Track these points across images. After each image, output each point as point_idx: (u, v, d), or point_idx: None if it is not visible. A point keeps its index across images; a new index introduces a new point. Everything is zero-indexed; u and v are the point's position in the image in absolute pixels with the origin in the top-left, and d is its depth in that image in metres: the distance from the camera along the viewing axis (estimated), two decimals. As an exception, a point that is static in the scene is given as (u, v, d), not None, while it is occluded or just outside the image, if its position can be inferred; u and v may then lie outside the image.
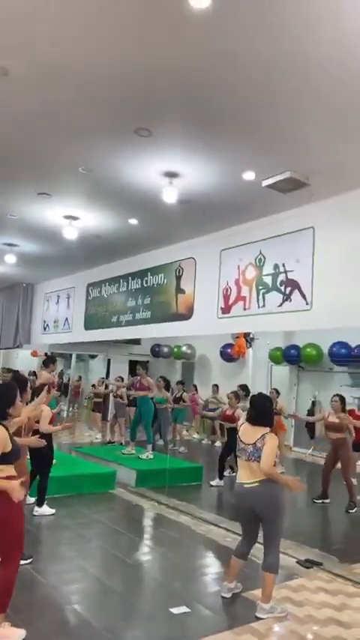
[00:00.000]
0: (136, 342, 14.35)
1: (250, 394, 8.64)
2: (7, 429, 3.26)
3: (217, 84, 3.70)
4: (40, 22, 3.14)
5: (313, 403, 11.78)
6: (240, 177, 5.19)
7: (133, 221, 6.86)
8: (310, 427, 11.24)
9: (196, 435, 13.40)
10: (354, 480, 7.07)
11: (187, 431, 12.99)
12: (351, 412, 7.99)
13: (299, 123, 4.16)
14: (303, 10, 2.92)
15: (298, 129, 4.26)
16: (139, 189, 5.66)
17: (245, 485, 3.87)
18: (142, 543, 5.43)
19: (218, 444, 12.09)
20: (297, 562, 4.83)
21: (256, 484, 3.80)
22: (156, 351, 15.59)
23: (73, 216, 6.81)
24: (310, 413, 11.52)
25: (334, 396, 7.40)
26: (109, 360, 15.65)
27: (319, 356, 11.64)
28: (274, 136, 4.43)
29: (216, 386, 12.79)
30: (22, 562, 3.54)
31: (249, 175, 5.15)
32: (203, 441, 12.89)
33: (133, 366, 15.10)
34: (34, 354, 14.47)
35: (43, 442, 4.41)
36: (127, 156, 4.90)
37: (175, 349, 15.09)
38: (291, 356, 12.09)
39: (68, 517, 5.81)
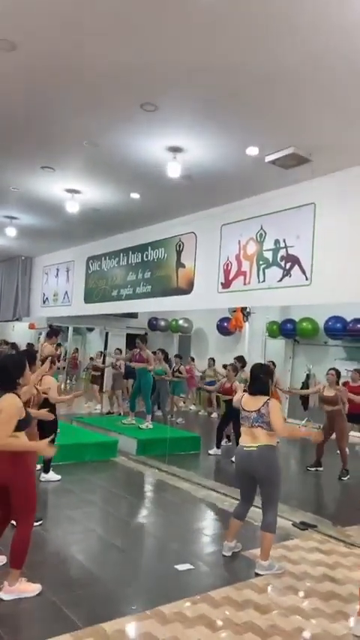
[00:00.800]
0: (134, 315, 14.49)
1: (246, 366, 8.88)
2: (19, 397, 3.41)
3: (222, 61, 3.73)
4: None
5: (307, 376, 12.04)
6: (243, 152, 5.23)
7: (135, 195, 6.89)
8: (304, 399, 11.53)
9: (192, 407, 13.69)
10: (347, 450, 7.33)
11: (183, 402, 13.27)
12: (345, 384, 8.22)
13: (302, 100, 4.21)
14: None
15: (301, 105, 4.31)
16: (143, 163, 5.69)
17: (245, 448, 4.08)
18: (144, 507, 5.69)
19: (214, 415, 12.39)
20: (292, 524, 5.09)
21: (255, 448, 4.02)
22: (153, 324, 15.75)
23: (74, 190, 6.83)
24: (305, 385, 11.79)
25: (330, 369, 7.59)
26: (106, 334, 15.79)
27: (315, 330, 11.84)
28: (278, 112, 4.47)
29: (212, 359, 13.00)
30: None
31: (252, 150, 5.20)
32: (200, 413, 13.18)
33: (131, 340, 15.26)
34: (32, 326, 14.60)
35: (52, 416, 4.59)
36: (132, 130, 4.93)
37: (173, 323, 15.25)
38: (287, 330, 12.28)
39: (73, 483, 6.04)
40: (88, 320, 14.06)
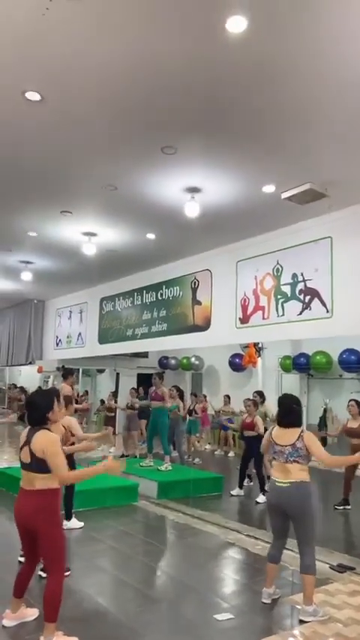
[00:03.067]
0: (144, 355, 14.44)
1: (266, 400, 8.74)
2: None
3: (241, 103, 3.86)
4: (74, 45, 3.28)
5: (325, 410, 11.86)
6: (260, 190, 5.34)
7: (151, 235, 7.00)
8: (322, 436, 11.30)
9: (208, 446, 13.42)
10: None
11: (198, 442, 13.04)
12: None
13: (317, 136, 4.32)
14: (323, 33, 3.08)
15: (315, 142, 4.42)
16: (161, 204, 5.81)
17: (278, 484, 3.95)
18: (173, 553, 5.47)
19: (231, 454, 12.13)
20: (330, 567, 4.88)
21: (289, 484, 3.88)
22: (164, 363, 15.68)
23: (91, 233, 6.95)
24: (323, 421, 11.60)
25: (351, 400, 7.47)
26: (117, 374, 15.71)
27: (329, 363, 11.75)
28: (293, 150, 4.58)
29: (227, 396, 12.86)
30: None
31: (269, 188, 5.30)
32: (216, 452, 12.90)
33: (142, 380, 15.18)
34: (40, 369, 14.53)
35: (93, 446, 4.50)
36: (151, 172, 5.05)
37: (184, 360, 15.18)
38: (300, 364, 12.19)
39: (97, 530, 5.84)
40: (98, 361, 14.02)
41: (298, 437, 3.92)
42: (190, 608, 4.06)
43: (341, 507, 7.16)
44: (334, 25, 3.02)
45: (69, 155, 4.74)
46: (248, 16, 2.95)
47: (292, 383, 12.65)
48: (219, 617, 3.78)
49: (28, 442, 3.25)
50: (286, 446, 3.94)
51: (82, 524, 5.88)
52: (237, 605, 4.04)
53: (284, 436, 4.00)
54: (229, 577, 4.76)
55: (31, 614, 3.59)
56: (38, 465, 3.19)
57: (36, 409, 3.34)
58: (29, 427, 3.36)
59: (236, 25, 3.01)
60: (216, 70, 3.46)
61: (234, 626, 3.67)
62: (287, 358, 12.42)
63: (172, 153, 4.63)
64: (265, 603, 4.04)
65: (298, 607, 3.87)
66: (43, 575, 3.90)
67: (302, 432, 3.97)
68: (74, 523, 5.83)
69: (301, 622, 3.71)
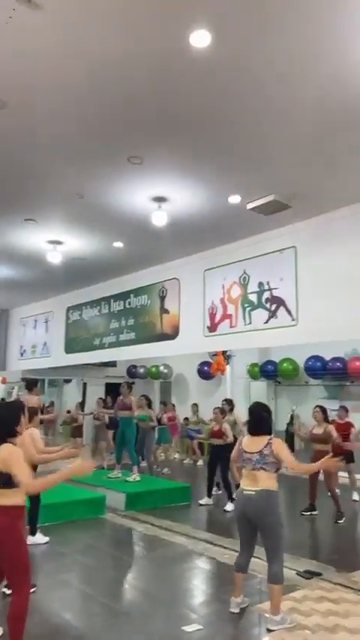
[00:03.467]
0: (112, 364, 14.31)
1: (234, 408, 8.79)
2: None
3: (207, 114, 3.91)
4: (39, 55, 3.26)
5: (292, 417, 12.01)
6: (226, 200, 5.41)
7: (118, 244, 6.97)
8: (289, 442, 11.43)
9: (176, 455, 13.38)
10: (338, 491, 7.22)
11: (167, 451, 12.98)
12: (332, 422, 8.21)
13: (281, 149, 4.42)
14: (289, 52, 3.18)
15: (279, 155, 4.52)
16: (128, 213, 5.80)
17: (245, 492, 3.95)
18: (142, 566, 5.40)
19: (200, 463, 12.12)
20: (297, 573, 4.91)
21: (254, 492, 3.90)
22: (132, 372, 15.57)
23: (57, 241, 6.87)
24: (289, 427, 11.74)
25: (316, 407, 7.61)
26: (84, 384, 15.50)
27: (296, 370, 11.93)
28: (258, 162, 4.67)
29: (195, 405, 12.87)
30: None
31: (234, 199, 5.38)
32: (185, 461, 12.87)
33: (110, 389, 15.02)
34: (4, 380, 14.20)
35: (79, 451, 4.40)
36: (118, 182, 5.04)
37: (152, 369, 15.12)
38: (268, 371, 12.33)
39: (63, 544, 5.72)
40: (65, 371, 13.80)
41: (267, 444, 3.95)
42: (159, 621, 4.00)
43: (308, 513, 7.24)
44: (296, 43, 3.11)
45: (33, 163, 4.69)
46: (212, 30, 2.99)
47: (260, 390, 12.77)
48: (187, 628, 3.74)
49: None
50: (253, 453, 3.96)
51: (47, 539, 5.74)
52: (205, 616, 4.02)
53: (253, 444, 4.02)
54: (198, 588, 4.73)
55: (-5, 633, 3.47)
56: (2, 479, 3.09)
57: (3, 423, 3.25)
58: None
59: (200, 39, 3.05)
60: (182, 82, 3.50)
61: (202, 637, 3.64)
62: (255, 366, 12.54)
63: (138, 163, 4.64)
64: (233, 613, 4.03)
65: (266, 615, 3.88)
66: (8, 592, 3.78)
67: (271, 439, 4.00)
68: (39, 538, 5.68)
69: (269, 631, 3.71)
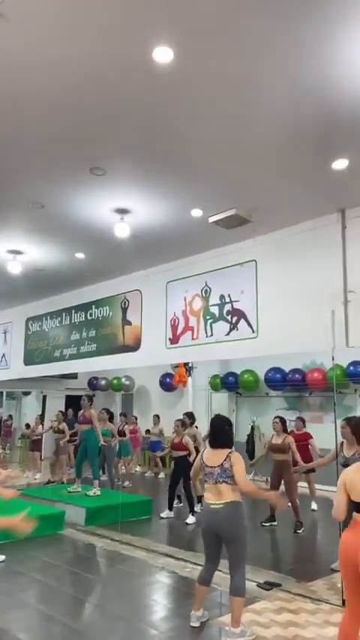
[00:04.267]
0: (73, 376, 14.06)
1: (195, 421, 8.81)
2: None
3: (170, 128, 3.95)
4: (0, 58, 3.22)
5: (252, 428, 12.14)
6: (188, 213, 5.45)
7: (80, 255, 6.91)
8: (249, 452, 11.54)
9: (138, 468, 13.25)
10: (297, 501, 7.33)
11: (128, 464, 12.84)
12: (291, 433, 8.36)
13: (243, 164, 4.49)
14: (250, 70, 3.26)
15: (241, 170, 4.59)
16: (89, 224, 5.76)
17: (211, 506, 3.96)
18: (101, 582, 5.30)
19: (162, 475, 12.05)
20: (257, 585, 4.94)
21: (221, 506, 3.91)
22: (93, 384, 15.36)
23: (17, 251, 6.74)
24: (250, 437, 11.86)
25: (275, 417, 7.74)
26: (44, 397, 15.17)
27: (256, 382, 12.09)
28: (220, 177, 4.74)
29: (157, 416, 12.82)
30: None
31: (196, 212, 5.43)
32: (146, 474, 12.77)
33: (70, 402, 14.74)
34: None
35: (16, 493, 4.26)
36: (80, 192, 5.01)
37: (114, 381, 14.97)
38: (229, 383, 12.44)
39: (19, 563, 5.55)
40: (24, 383, 13.45)
41: (226, 457, 3.97)
42: (116, 638, 3.93)
43: (268, 524, 7.31)
44: (256, 62, 3.20)
45: (-7, 170, 4.60)
46: (174, 47, 3.04)
47: (221, 401, 12.85)
48: (147, 645, 3.69)
49: None
50: (215, 467, 3.98)
51: (3, 557, 5.56)
52: (166, 631, 3.98)
53: (213, 457, 4.04)
54: (158, 603, 4.68)
55: None
56: None
57: None
58: None
59: (162, 55, 3.10)
60: (144, 96, 3.53)
61: (162, 654, 3.60)
62: (216, 377, 12.63)
63: (101, 174, 4.63)
64: (193, 627, 4.01)
65: (227, 628, 3.87)
66: None
67: (230, 452, 4.03)
68: (-5, 557, 5.50)
69: (229, 643, 3.71)
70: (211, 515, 3.97)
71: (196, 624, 4.02)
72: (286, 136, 4.01)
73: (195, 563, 5.45)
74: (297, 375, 11.49)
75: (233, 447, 4.14)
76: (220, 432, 4.14)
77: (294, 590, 4.82)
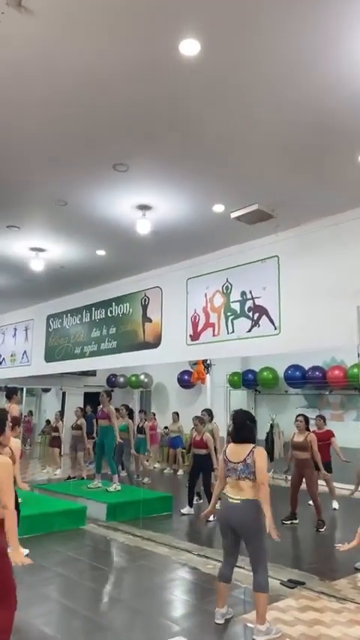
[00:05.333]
0: (92, 373, 14.18)
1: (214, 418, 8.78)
2: None
3: (194, 123, 3.93)
4: (26, 56, 3.22)
5: (271, 426, 12.08)
6: (210, 209, 5.43)
7: (101, 252, 6.94)
8: (269, 450, 11.47)
9: (157, 465, 13.28)
10: (319, 499, 7.26)
11: (147, 461, 12.89)
12: (312, 432, 8.28)
13: (265, 159, 4.46)
14: (277, 62, 3.23)
15: (264, 164, 4.56)
16: (111, 221, 5.78)
17: (230, 500, 3.94)
18: (124, 578, 5.31)
19: (181, 472, 12.06)
20: (280, 583, 4.90)
21: (239, 502, 3.88)
22: (112, 381, 15.46)
23: (39, 248, 6.79)
24: (270, 435, 11.80)
25: (299, 416, 7.65)
26: (63, 394, 15.31)
27: (275, 379, 12.01)
28: (243, 171, 4.71)
29: (176, 414, 12.82)
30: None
31: (218, 208, 5.41)
32: (165, 471, 12.79)
33: (89, 399, 14.85)
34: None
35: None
36: (103, 189, 5.02)
37: (132, 378, 15.04)
38: (248, 380, 12.39)
39: (43, 557, 5.59)
40: (44, 380, 13.60)
41: (249, 452, 3.94)
42: (142, 634, 3.94)
43: (289, 522, 7.25)
44: (285, 54, 3.16)
45: (17, 169, 4.64)
46: (201, 39, 3.02)
47: (239, 399, 12.80)
48: (172, 641, 3.69)
49: None
50: (238, 463, 3.95)
51: (27, 551, 5.54)
52: (189, 628, 3.97)
53: (237, 453, 4.01)
54: (181, 599, 4.67)
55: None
56: None
57: None
58: None
59: (189, 48, 3.08)
60: (169, 90, 3.51)
61: (187, 650, 3.60)
62: (236, 375, 12.58)
63: (124, 170, 4.63)
64: (218, 624, 3.99)
65: (251, 626, 3.85)
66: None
67: (254, 447, 4.00)
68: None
69: (255, 641, 3.69)
70: (228, 510, 3.96)
71: (221, 621, 4.00)
72: (312, 129, 3.96)
73: (217, 560, 5.43)
74: (317, 373, 11.39)
75: (256, 443, 4.11)
76: (242, 427, 4.10)
77: (318, 589, 4.77)
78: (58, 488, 8.78)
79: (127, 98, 3.61)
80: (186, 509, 7.80)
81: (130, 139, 4.16)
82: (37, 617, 4.11)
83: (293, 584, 4.89)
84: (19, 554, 3.01)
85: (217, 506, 7.11)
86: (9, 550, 3.18)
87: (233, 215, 5.46)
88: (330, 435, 8.45)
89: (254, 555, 3.92)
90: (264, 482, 3.88)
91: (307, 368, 11.46)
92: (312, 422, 9.63)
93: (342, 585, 4.88)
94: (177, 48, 3.09)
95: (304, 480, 7.24)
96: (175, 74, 3.33)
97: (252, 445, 4.01)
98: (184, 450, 12.52)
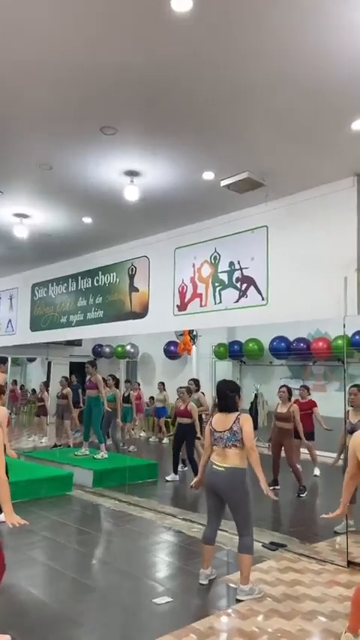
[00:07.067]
0: (77, 343, 14.12)
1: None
2: None
3: (183, 86, 3.81)
4: (11, 17, 3.08)
5: (256, 395, 12.25)
6: (200, 176, 5.33)
7: (87, 220, 6.80)
8: (253, 419, 11.64)
9: (142, 434, 13.44)
10: (299, 466, 7.45)
11: (132, 429, 13.02)
12: (295, 401, 8.41)
13: (256, 126, 4.37)
14: (271, 24, 3.12)
15: (256, 131, 4.46)
16: (98, 187, 5.64)
17: (214, 466, 4.04)
18: (110, 541, 5.44)
19: (166, 440, 12.22)
20: (262, 545, 5.06)
21: (223, 468, 3.97)
22: (98, 351, 15.42)
23: (23, 214, 6.63)
24: (254, 404, 11.97)
25: (282, 386, 7.77)
26: (49, 363, 15.27)
27: (261, 350, 12.10)
28: (234, 138, 4.61)
29: (162, 383, 12.91)
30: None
31: (208, 175, 5.31)
32: (150, 439, 12.96)
33: (74, 368, 14.83)
34: None
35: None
36: (90, 153, 4.88)
37: (118, 349, 15.02)
38: (234, 351, 12.47)
39: (30, 521, 5.64)
40: (29, 350, 13.51)
41: (235, 420, 4.01)
42: (128, 595, 4.05)
43: (271, 487, 7.39)
44: (279, 16, 3.05)
45: (1, 130, 4.47)
46: (194, -5, 2.89)
47: (225, 370, 12.90)
48: (157, 600, 3.80)
49: None
50: (223, 431, 4.02)
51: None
52: (175, 588, 4.09)
53: (222, 422, 4.08)
54: (165, 561, 4.80)
55: None
56: None
57: None
58: None
59: (181, 3, 2.94)
60: (159, 49, 3.38)
61: (172, 609, 3.71)
62: (222, 346, 12.64)
63: (111, 133, 4.50)
64: (202, 584, 4.12)
65: (234, 586, 3.98)
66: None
67: (239, 414, 4.06)
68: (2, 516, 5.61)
69: (238, 601, 3.82)
70: (212, 476, 4.06)
71: (205, 582, 4.13)
72: (304, 96, 3.87)
73: (201, 524, 5.56)
74: (301, 344, 11.50)
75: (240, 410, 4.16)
76: (224, 397, 4.16)
77: (298, 551, 4.93)
78: (44, 456, 8.86)
79: (116, 59, 3.47)
80: (171, 477, 7.94)
81: (119, 102, 4.03)
82: (24, 579, 4.19)
83: (275, 546, 5.05)
84: (13, 517, 3.04)
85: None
86: (1, 515, 3.20)
87: (223, 183, 5.37)
88: (312, 404, 8.60)
89: (240, 520, 4.02)
90: (253, 448, 3.96)
91: (291, 339, 11.55)
92: (296, 392, 9.81)
93: (322, 547, 5.06)
94: (169, 3, 2.95)
95: (283, 448, 7.39)
96: (166, 32, 3.20)
97: (237, 413, 4.07)
98: (168, 419, 12.67)
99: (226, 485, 3.97)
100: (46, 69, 3.60)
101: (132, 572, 4.45)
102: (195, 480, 4.52)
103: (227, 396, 4.17)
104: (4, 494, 3.05)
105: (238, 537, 4.05)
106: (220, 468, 3.99)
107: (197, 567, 4.26)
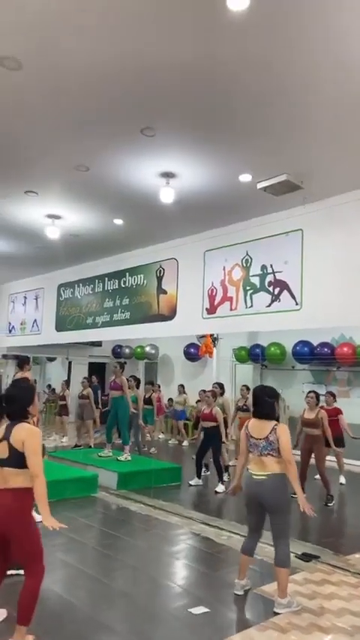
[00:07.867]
0: (97, 344, 14.15)
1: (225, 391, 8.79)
2: None
3: (222, 88, 3.76)
4: (56, 17, 3.05)
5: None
6: (236, 178, 5.27)
7: (118, 221, 6.78)
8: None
9: (161, 436, 13.41)
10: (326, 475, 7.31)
11: (152, 431, 12.99)
12: (321, 408, 8.29)
13: (296, 127, 4.29)
14: (321, 25, 3.04)
15: (294, 133, 4.39)
16: (133, 188, 5.61)
17: (254, 477, 3.93)
18: (140, 546, 5.36)
19: (185, 443, 12.16)
20: (296, 556, 4.95)
21: (265, 477, 3.88)
22: (117, 352, 15.46)
23: (56, 215, 6.63)
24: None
25: (310, 392, 7.64)
26: (69, 363, 15.34)
27: (283, 354, 11.99)
28: (272, 139, 4.53)
29: (182, 386, 12.86)
30: (21, 572, 3.38)
31: (245, 177, 5.24)
32: (170, 441, 12.91)
33: (94, 369, 14.88)
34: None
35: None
36: (127, 155, 4.85)
37: (138, 350, 15.02)
38: (255, 355, 12.37)
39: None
40: (49, 349, 13.57)
41: (272, 430, 3.91)
42: (163, 603, 3.98)
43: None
44: (332, 19, 2.98)
45: (40, 132, 4.46)
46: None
47: (246, 373, 12.82)
48: (194, 610, 3.73)
49: (6, 437, 3.04)
50: (260, 439, 3.93)
51: (40, 517, 5.65)
52: (210, 598, 4.01)
53: (259, 429, 3.98)
54: (195, 568, 4.71)
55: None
56: (17, 460, 2.99)
57: (16, 403, 3.15)
58: (7, 422, 3.16)
59: (238, 2, 2.88)
60: (207, 49, 3.32)
61: (209, 620, 3.63)
62: (243, 349, 12.56)
63: (151, 135, 4.45)
64: (237, 595, 4.03)
65: (271, 598, 3.89)
66: (10, 572, 3.69)
67: (276, 424, 3.96)
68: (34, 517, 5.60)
69: (276, 614, 3.73)
70: (254, 486, 3.95)
71: (241, 592, 4.05)
72: (346, 102, 3.78)
73: (230, 531, 5.50)
74: (325, 349, 11.36)
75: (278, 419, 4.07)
76: (261, 403, 4.05)
77: (332, 563, 4.82)
78: (67, 456, 8.85)
79: (164, 60, 3.42)
80: (194, 481, 7.87)
81: (162, 103, 3.98)
82: (55, 582, 4.15)
83: (308, 557, 4.94)
84: (52, 520, 3.00)
85: (225, 478, 7.15)
86: (39, 517, 3.16)
87: (260, 185, 5.29)
88: (338, 411, 8.47)
89: (277, 530, 3.93)
90: (291, 462, 3.85)
91: (315, 344, 11.41)
92: (322, 398, 9.67)
93: (355, 560, 4.93)
94: (224, 2, 2.89)
95: (312, 455, 7.27)
96: (219, 32, 3.14)
97: (274, 422, 3.97)
98: (187, 422, 12.62)
99: (270, 493, 3.87)
100: (90, 70, 3.56)
101: (162, 578, 4.39)
102: (232, 485, 4.43)
103: (265, 402, 4.06)
104: (42, 495, 3.02)
105: (273, 547, 3.96)
106: (261, 477, 3.89)
107: (229, 576, 4.18)
